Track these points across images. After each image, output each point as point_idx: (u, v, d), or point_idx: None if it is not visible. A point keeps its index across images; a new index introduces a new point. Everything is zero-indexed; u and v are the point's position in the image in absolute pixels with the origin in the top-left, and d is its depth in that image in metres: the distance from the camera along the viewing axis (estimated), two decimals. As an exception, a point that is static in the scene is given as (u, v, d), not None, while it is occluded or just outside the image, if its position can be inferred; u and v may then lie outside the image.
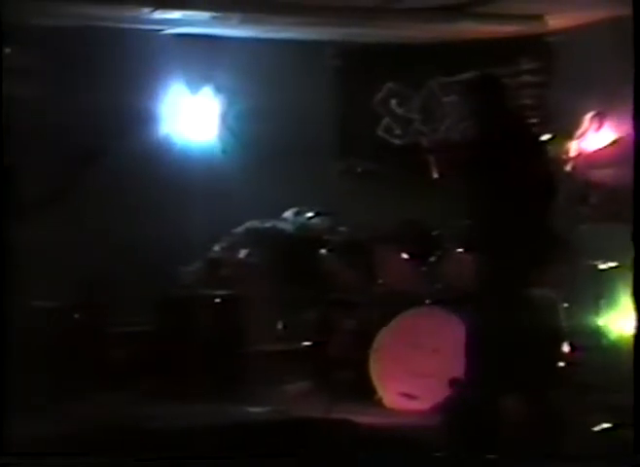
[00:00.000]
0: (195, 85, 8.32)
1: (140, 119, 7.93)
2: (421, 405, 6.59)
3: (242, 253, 8.01)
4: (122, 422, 5.92)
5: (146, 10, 7.21)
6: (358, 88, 8.96)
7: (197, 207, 7.92)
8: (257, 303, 7.56)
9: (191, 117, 8.39)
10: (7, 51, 6.19)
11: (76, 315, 7.16)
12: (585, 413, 6.11)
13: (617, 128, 7.46)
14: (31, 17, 7.02)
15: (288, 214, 8.24)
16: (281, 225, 8.18)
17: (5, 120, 5.55)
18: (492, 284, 5.78)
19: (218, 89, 8.35)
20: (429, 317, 6.88)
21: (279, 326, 7.71)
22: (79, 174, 6.00)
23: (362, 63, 8.90)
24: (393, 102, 8.96)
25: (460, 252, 6.98)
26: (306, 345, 7.33)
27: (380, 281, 7.37)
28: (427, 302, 6.96)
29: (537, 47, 8.31)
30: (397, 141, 8.96)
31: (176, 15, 7.44)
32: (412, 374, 6.70)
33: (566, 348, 6.89)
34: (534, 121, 8.24)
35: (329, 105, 8.90)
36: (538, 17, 7.84)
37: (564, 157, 7.43)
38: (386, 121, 8.97)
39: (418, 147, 7.16)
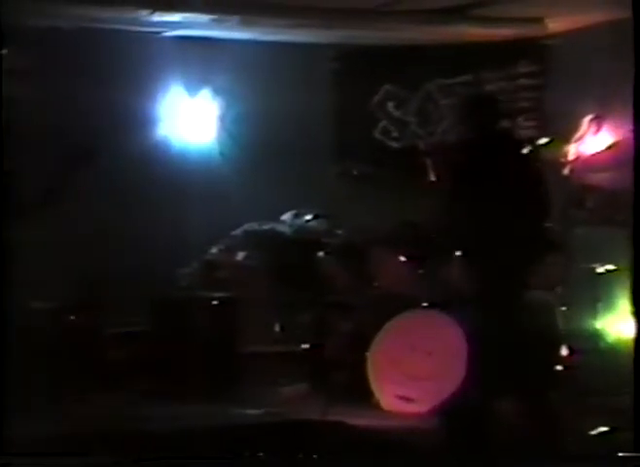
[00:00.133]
0: (193, 87, 8.33)
1: (138, 121, 7.94)
2: (418, 408, 6.58)
3: (240, 255, 8.02)
4: (119, 423, 5.92)
5: (145, 12, 7.21)
6: (356, 90, 8.97)
7: (196, 209, 7.93)
8: (254, 305, 7.56)
9: (189, 119, 8.41)
10: (5, 51, 6.17)
11: (73, 316, 7.15)
12: (583, 416, 6.11)
13: (615, 132, 7.46)
14: (30, 19, 7.02)
15: (286, 217, 8.24)
16: (279, 227, 8.19)
17: (4, 121, 5.53)
18: (490, 287, 5.78)
19: (216, 92, 8.36)
20: (426, 320, 6.88)
21: (276, 328, 7.72)
22: (76, 176, 5.99)
23: (360, 66, 8.91)
24: (390, 105, 8.97)
25: (457, 255, 6.97)
26: (303, 348, 7.32)
27: (377, 284, 7.38)
28: (424, 304, 6.95)
29: (536, 50, 8.30)
30: (394, 144, 8.96)
31: (175, 17, 7.45)
32: (409, 376, 6.68)
33: (564, 352, 6.89)
34: (532, 124, 8.26)
35: (326, 107, 8.91)
36: (537, 20, 7.85)
37: (562, 160, 7.43)
38: (383, 123, 8.98)
39: (415, 150, 7.16)
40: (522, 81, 8.40)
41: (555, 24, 7.90)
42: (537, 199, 5.97)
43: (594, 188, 7.61)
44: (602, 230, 7.42)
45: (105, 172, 7.20)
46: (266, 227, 8.17)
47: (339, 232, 7.90)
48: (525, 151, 6.85)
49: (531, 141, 7.23)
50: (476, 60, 8.45)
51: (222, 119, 8.45)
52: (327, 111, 8.91)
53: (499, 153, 5.99)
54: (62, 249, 7.26)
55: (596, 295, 7.23)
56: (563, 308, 7.09)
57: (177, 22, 7.63)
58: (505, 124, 8.08)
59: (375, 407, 6.73)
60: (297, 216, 8.16)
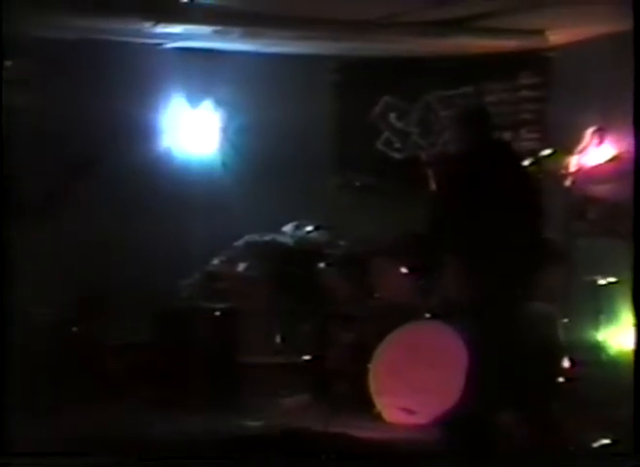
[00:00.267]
0: (195, 98, 8.35)
1: (141, 132, 7.95)
2: (420, 419, 6.57)
3: (241, 266, 8.01)
4: (119, 434, 5.91)
5: (147, 24, 7.23)
6: (357, 101, 8.99)
7: (197, 220, 7.92)
8: (255, 316, 7.56)
9: (191, 130, 8.42)
10: (8, 63, 6.18)
11: (75, 327, 7.16)
12: (584, 428, 6.10)
13: (617, 144, 7.47)
14: (33, 30, 7.04)
15: (287, 228, 8.24)
16: (280, 238, 8.19)
17: (7, 131, 5.54)
18: (491, 299, 5.78)
19: (218, 103, 8.37)
20: (428, 331, 6.87)
21: (277, 339, 7.70)
22: (77, 186, 6.01)
23: (361, 77, 8.92)
24: (392, 116, 8.98)
25: (459, 266, 6.97)
26: (305, 359, 7.31)
27: (379, 295, 7.37)
28: (426, 316, 6.95)
29: (537, 62, 8.32)
30: (397, 155, 8.98)
31: (177, 29, 7.46)
32: (411, 388, 6.67)
33: (566, 363, 6.88)
34: (534, 135, 8.27)
35: (328, 119, 8.92)
36: (538, 33, 7.85)
37: (564, 172, 7.45)
38: (386, 134, 8.99)
39: (417, 161, 7.16)
40: (524, 93, 8.42)
41: (557, 36, 7.91)
42: (539, 211, 5.97)
43: (596, 199, 7.61)
44: (604, 241, 7.42)
45: (107, 183, 7.23)
46: (267, 238, 8.17)
47: (341, 243, 7.90)
48: (528, 163, 6.87)
49: (533, 153, 7.26)
50: (477, 72, 8.47)
51: (224, 130, 8.46)
52: (328, 122, 8.92)
53: (501, 164, 5.99)
54: (64, 260, 7.26)
55: (598, 307, 7.23)
56: (565, 320, 7.09)
57: (179, 34, 7.64)
58: (507, 135, 8.13)
59: (377, 418, 6.72)
60: (298, 227, 8.16)
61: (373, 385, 6.79)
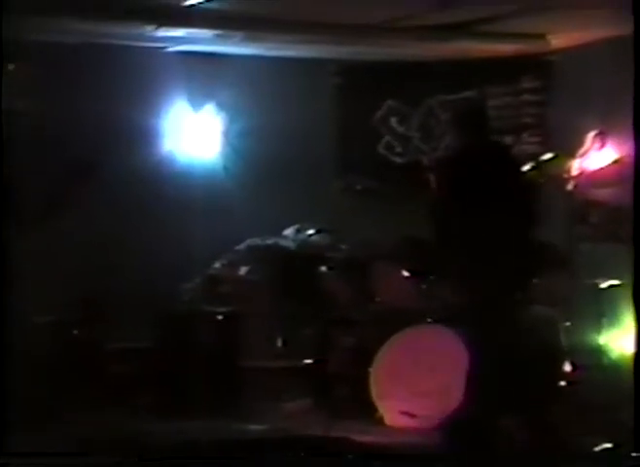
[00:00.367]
0: (197, 102, 8.35)
1: (143, 135, 7.96)
2: (422, 423, 6.57)
3: (243, 270, 8.01)
4: (120, 438, 5.90)
5: (149, 27, 7.24)
6: (359, 105, 8.99)
7: (199, 224, 7.92)
8: (257, 319, 7.56)
9: (193, 134, 8.42)
10: (9, 66, 6.20)
11: (76, 331, 7.16)
12: (585, 431, 6.09)
13: (619, 147, 7.47)
14: (34, 33, 7.05)
15: (289, 231, 8.24)
16: (282, 242, 8.19)
17: (6, 135, 5.55)
18: (493, 303, 5.78)
19: (220, 107, 8.38)
20: (429, 335, 6.87)
21: (279, 343, 7.70)
22: (79, 190, 6.02)
23: (363, 81, 8.93)
24: (393, 120, 8.98)
25: (460, 270, 6.96)
26: (306, 363, 7.31)
27: (380, 299, 7.36)
28: (428, 320, 6.95)
29: (539, 66, 8.33)
30: (398, 159, 8.98)
31: (179, 32, 7.47)
32: (413, 392, 6.67)
33: (567, 367, 6.88)
34: (536, 139, 8.28)
35: (330, 123, 8.93)
36: (540, 37, 7.87)
37: (566, 175, 7.44)
38: (387, 138, 8.99)
39: (419, 165, 7.17)
40: (526, 97, 8.42)
41: (558, 41, 7.91)
42: (540, 215, 5.97)
43: (598, 203, 7.61)
44: (606, 245, 7.42)
45: (109, 186, 7.24)
46: (269, 241, 8.17)
47: (342, 246, 7.89)
48: (529, 167, 6.88)
49: (535, 157, 7.26)
50: (478, 76, 8.47)
51: (225, 134, 8.46)
52: (330, 126, 8.93)
53: (502, 169, 5.99)
54: (65, 263, 7.27)
55: (600, 310, 7.23)
56: (567, 324, 7.08)
57: (181, 38, 7.65)
58: (508, 139, 8.13)
59: (379, 422, 6.72)
60: (300, 231, 8.16)
61: (375, 389, 6.79)
